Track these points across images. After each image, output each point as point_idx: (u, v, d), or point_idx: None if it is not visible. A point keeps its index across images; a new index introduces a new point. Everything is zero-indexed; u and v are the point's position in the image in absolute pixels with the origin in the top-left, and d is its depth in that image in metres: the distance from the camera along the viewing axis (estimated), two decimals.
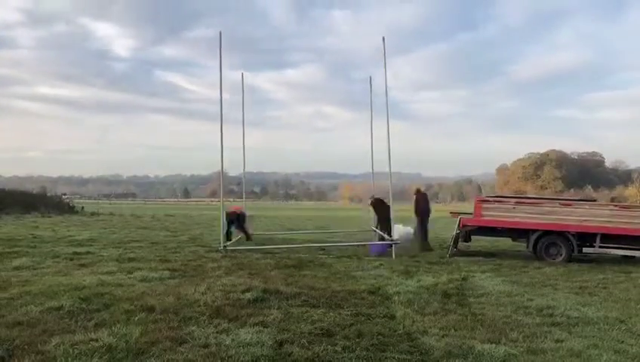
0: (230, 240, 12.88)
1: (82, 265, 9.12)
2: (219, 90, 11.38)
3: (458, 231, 12.23)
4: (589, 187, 73.65)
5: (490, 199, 12.91)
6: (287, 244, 13.02)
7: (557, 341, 4.89)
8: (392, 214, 12.29)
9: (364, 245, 12.74)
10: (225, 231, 12.54)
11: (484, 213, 11.95)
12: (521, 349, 4.58)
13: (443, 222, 18.40)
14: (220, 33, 11.89)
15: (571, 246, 11.42)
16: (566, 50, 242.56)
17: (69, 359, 4.00)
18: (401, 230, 13.08)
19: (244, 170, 16.73)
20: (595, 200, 16.28)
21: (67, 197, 39.22)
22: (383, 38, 12.21)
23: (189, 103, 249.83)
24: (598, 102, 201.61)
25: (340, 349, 4.45)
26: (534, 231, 11.66)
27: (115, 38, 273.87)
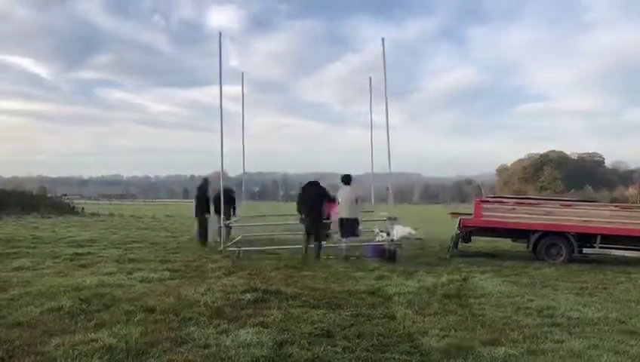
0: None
1: (82, 266, 9.12)
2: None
3: (458, 232, 12.23)
4: (589, 187, 73.69)
5: (491, 200, 12.92)
6: (289, 245, 12.99)
7: (557, 341, 4.89)
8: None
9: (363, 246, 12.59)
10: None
11: (485, 213, 11.95)
12: (522, 350, 4.58)
13: (443, 223, 18.40)
14: (220, 33, 11.96)
15: (571, 246, 11.42)
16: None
17: (69, 360, 4.00)
18: (401, 230, 13.06)
19: (243, 170, 16.73)
20: (594, 201, 16.30)
21: (67, 198, 39.18)
22: (383, 40, 12.26)
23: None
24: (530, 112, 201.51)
25: (340, 350, 4.45)
26: (534, 231, 11.66)
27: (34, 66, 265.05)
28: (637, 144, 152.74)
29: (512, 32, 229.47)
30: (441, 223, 18.75)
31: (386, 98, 12.21)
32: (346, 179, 11.46)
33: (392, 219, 12.14)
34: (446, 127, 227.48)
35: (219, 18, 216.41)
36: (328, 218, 11.60)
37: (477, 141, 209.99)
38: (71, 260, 9.81)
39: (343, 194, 11.31)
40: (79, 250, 11.37)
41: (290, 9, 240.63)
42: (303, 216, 11.35)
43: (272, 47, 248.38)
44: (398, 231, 12.77)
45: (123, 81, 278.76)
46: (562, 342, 4.88)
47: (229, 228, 12.86)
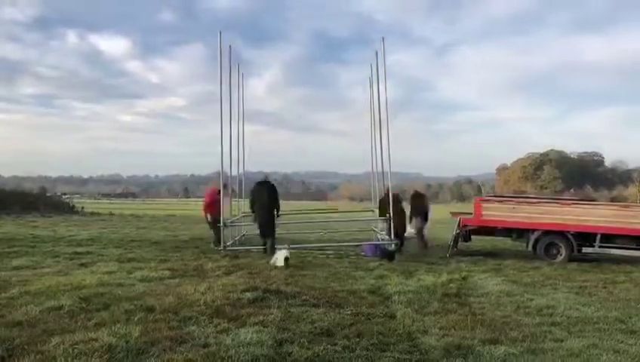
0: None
1: (82, 265, 9.12)
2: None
3: (458, 231, 12.24)
4: (589, 187, 73.65)
5: (491, 199, 12.93)
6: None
7: (557, 340, 4.89)
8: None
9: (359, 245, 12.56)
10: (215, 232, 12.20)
11: (484, 212, 11.96)
12: (521, 349, 4.59)
13: (443, 222, 18.40)
14: (220, 32, 11.97)
15: (571, 246, 11.43)
16: None
17: (69, 359, 4.00)
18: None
19: (243, 169, 16.72)
20: (594, 200, 16.30)
21: (67, 197, 39.19)
22: (382, 39, 12.25)
23: None
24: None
25: (340, 349, 4.46)
26: (534, 230, 11.67)
27: None
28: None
29: None
30: (441, 222, 18.75)
31: (386, 99, 12.20)
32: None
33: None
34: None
35: None
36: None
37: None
38: (71, 259, 9.80)
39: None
40: (79, 249, 11.35)
41: None
42: (256, 215, 11.39)
43: None
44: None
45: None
46: (562, 341, 4.88)
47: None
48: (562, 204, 12.41)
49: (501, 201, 12.51)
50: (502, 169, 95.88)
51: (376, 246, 11.79)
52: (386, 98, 12.18)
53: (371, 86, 15.25)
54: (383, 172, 13.45)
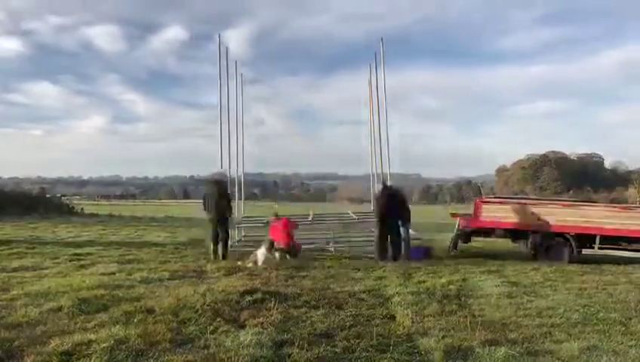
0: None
1: (82, 266, 9.12)
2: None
3: (458, 232, 12.25)
4: (589, 188, 73.66)
5: (490, 200, 12.93)
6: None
7: (557, 342, 4.89)
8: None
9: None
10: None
11: (484, 214, 11.96)
12: (521, 350, 4.59)
13: (443, 223, 18.42)
14: (220, 36, 12.01)
15: (571, 247, 11.43)
16: None
17: (69, 360, 4.00)
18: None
19: (243, 170, 16.71)
20: (593, 202, 16.31)
21: (66, 198, 39.15)
22: (382, 39, 12.29)
23: None
24: None
25: (340, 350, 4.46)
26: (534, 232, 11.67)
27: None
28: None
29: None
30: (440, 224, 18.77)
31: (385, 99, 12.23)
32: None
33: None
34: None
35: None
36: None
37: None
38: (70, 261, 9.80)
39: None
40: (79, 251, 11.34)
41: None
42: (209, 214, 11.02)
43: None
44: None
45: None
46: (562, 342, 4.88)
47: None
48: (562, 205, 12.41)
49: (501, 203, 12.51)
50: (501, 170, 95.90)
51: (417, 248, 11.70)
52: (385, 99, 12.22)
53: (370, 86, 15.28)
54: (382, 173, 13.46)
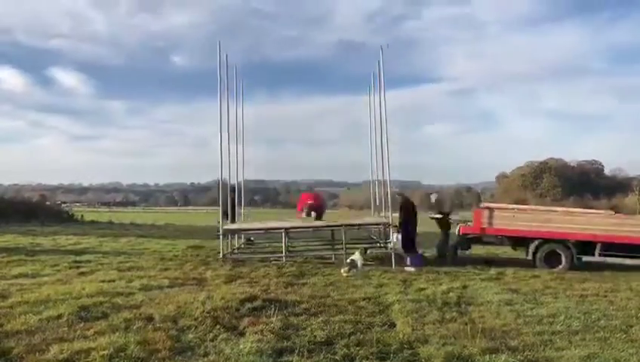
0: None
1: (82, 274, 9.10)
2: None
3: (458, 240, 12.23)
4: (589, 195, 73.61)
5: (490, 208, 12.92)
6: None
7: (557, 350, 4.88)
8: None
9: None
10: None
11: (484, 221, 11.95)
12: (521, 358, 4.58)
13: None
14: (219, 42, 12.07)
15: (571, 254, 11.42)
16: None
17: None
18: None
19: (243, 177, 16.74)
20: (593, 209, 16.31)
21: (66, 206, 39.13)
22: (381, 47, 12.35)
23: None
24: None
25: (340, 358, 4.45)
26: (534, 239, 11.66)
27: None
28: None
29: None
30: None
31: (385, 104, 12.25)
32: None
33: (393, 227, 12.14)
34: None
35: None
36: None
37: None
38: (70, 268, 9.77)
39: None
40: (78, 258, 11.32)
41: None
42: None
43: None
44: (399, 238, 12.76)
45: None
46: (562, 350, 4.87)
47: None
48: (562, 212, 12.42)
49: (501, 210, 12.51)
50: (501, 177, 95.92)
51: (421, 255, 11.79)
52: (385, 106, 12.24)
53: (371, 94, 15.33)
54: (383, 180, 13.47)
